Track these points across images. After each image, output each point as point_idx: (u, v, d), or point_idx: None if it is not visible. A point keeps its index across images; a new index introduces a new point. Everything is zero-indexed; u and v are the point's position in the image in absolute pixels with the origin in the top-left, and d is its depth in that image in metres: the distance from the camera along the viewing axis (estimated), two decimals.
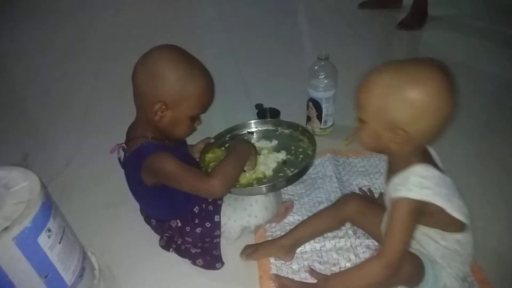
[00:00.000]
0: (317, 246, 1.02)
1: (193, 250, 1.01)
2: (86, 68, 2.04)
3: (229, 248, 1.02)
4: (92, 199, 1.24)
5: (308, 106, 1.41)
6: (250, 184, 1.00)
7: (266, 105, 1.46)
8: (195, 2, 2.91)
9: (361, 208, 0.97)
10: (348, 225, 1.04)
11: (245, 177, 1.02)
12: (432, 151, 0.83)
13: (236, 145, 0.99)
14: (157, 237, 1.06)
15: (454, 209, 0.75)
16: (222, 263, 0.99)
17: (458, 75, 1.76)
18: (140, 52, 0.92)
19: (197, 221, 0.99)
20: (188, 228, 0.99)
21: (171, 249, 1.03)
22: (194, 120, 0.94)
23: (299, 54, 2.01)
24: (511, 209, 1.12)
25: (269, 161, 1.07)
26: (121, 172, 1.05)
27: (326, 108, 1.38)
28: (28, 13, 2.81)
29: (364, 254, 0.99)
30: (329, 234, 1.03)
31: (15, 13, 2.83)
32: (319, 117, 1.40)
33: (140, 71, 0.90)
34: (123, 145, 0.97)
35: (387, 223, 0.80)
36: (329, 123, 1.43)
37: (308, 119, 1.43)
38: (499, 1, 2.41)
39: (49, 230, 0.78)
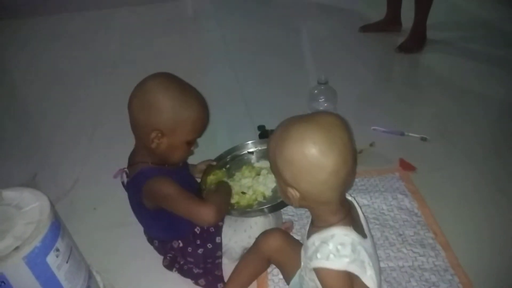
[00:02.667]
0: None
1: (195, 270, 1.03)
2: (94, 89, 2.09)
3: (231, 268, 1.03)
4: (97, 219, 1.27)
5: None
6: (250, 206, 1.03)
7: (268, 126, 1.49)
8: (199, 25, 2.98)
9: (280, 244, 0.93)
10: None
11: (245, 199, 1.05)
12: (354, 203, 0.81)
13: (219, 186, 1.05)
14: (161, 257, 1.09)
15: (367, 278, 0.71)
16: (224, 283, 1.01)
17: (457, 98, 1.83)
18: (145, 74, 0.96)
19: (198, 242, 1.02)
20: (190, 249, 1.02)
21: (174, 269, 1.06)
22: (191, 144, 0.97)
23: (301, 75, 2.05)
24: (506, 229, 1.14)
25: (268, 181, 1.10)
26: (126, 194, 1.08)
27: None
28: (33, 36, 2.89)
29: None
30: None
31: (24, 34, 2.92)
32: None
33: (134, 102, 0.93)
34: (126, 169, 1.01)
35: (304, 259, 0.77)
36: None
37: None
38: (498, 25, 2.46)
39: (57, 250, 0.81)
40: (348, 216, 0.73)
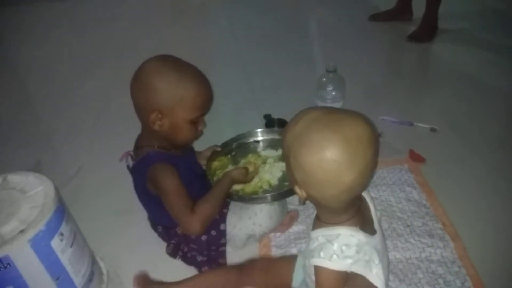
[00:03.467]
0: None
1: (199, 258, 1.03)
2: (98, 76, 2.08)
3: (235, 256, 1.03)
4: (101, 205, 1.27)
5: None
6: (255, 193, 1.02)
7: (274, 115, 1.48)
8: (207, 14, 2.95)
9: (267, 265, 0.95)
10: None
11: (250, 186, 1.04)
12: (366, 197, 0.78)
13: (223, 179, 0.99)
14: (164, 244, 1.08)
15: (373, 276, 0.70)
16: None
17: (468, 89, 1.80)
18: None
19: (193, 236, 1.01)
20: (193, 236, 1.01)
21: (178, 257, 1.05)
22: (195, 123, 0.95)
23: (308, 65, 2.02)
24: None
25: (274, 170, 1.09)
26: (130, 179, 1.08)
27: None
28: (37, 23, 2.89)
29: None
30: None
31: (28, 21, 2.91)
32: None
33: (133, 86, 0.94)
34: (131, 152, 1.01)
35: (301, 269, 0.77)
36: None
37: None
38: (510, 14, 2.41)
39: (62, 234, 0.81)
40: (357, 215, 0.71)
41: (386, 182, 1.27)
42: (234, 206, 1.03)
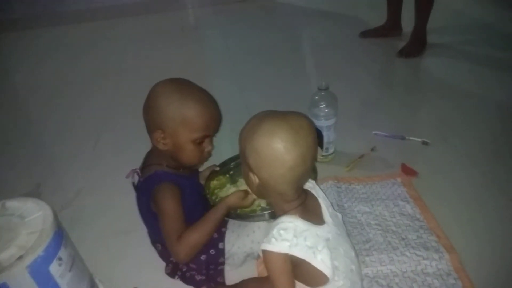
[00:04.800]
0: None
1: (197, 277, 1.03)
2: (97, 99, 2.12)
3: (233, 275, 1.04)
4: (101, 227, 1.28)
5: None
6: (253, 211, 1.04)
7: None
8: (202, 34, 3.00)
9: (259, 282, 0.98)
10: None
11: None
12: (320, 195, 0.86)
13: (218, 206, 0.97)
14: (163, 264, 1.09)
15: (318, 262, 0.75)
16: None
17: (458, 102, 1.83)
18: (150, 84, 0.99)
19: (201, 248, 1.02)
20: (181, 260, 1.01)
21: (177, 277, 1.06)
22: (199, 144, 0.97)
23: (302, 82, 2.06)
24: (508, 232, 1.14)
25: None
26: (130, 201, 1.09)
27: (327, 136, 1.42)
28: (38, 46, 2.94)
29: None
30: None
31: (27, 46, 2.96)
32: (321, 145, 1.43)
33: (144, 105, 0.98)
34: (137, 170, 1.03)
35: None
36: (331, 150, 1.46)
37: None
38: (498, 28, 2.47)
39: (60, 259, 0.82)
40: (300, 207, 0.79)
41: (380, 197, 1.29)
42: (232, 225, 1.05)
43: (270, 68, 2.26)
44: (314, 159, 0.78)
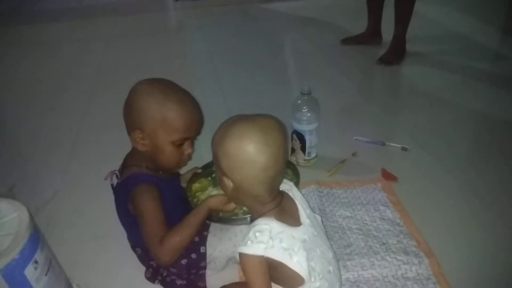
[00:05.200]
0: None
1: (178, 282, 1.01)
2: (75, 99, 2.07)
3: (214, 279, 1.03)
4: (78, 230, 1.24)
5: (292, 138, 1.45)
6: (235, 214, 1.03)
7: None
8: (184, 37, 2.99)
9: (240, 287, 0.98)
10: None
11: None
12: (297, 197, 0.86)
13: (199, 207, 0.95)
14: (143, 268, 1.06)
15: (294, 264, 0.75)
16: None
17: (436, 109, 1.88)
18: (129, 85, 0.97)
19: (182, 252, 1.00)
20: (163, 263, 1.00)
21: (157, 281, 1.03)
22: (179, 146, 0.95)
23: (284, 87, 2.07)
24: (486, 237, 1.16)
25: None
26: (108, 204, 1.07)
27: (309, 140, 1.43)
28: (14, 44, 2.86)
29: None
30: None
31: (4, 43, 2.87)
32: (303, 148, 1.44)
33: (124, 106, 0.96)
34: (116, 172, 1.01)
35: None
36: (313, 155, 1.47)
37: (293, 150, 1.48)
38: (473, 39, 2.55)
39: (36, 262, 0.79)
40: (276, 208, 0.79)
41: (361, 202, 1.30)
42: (214, 228, 1.03)
43: (252, 73, 2.27)
44: (286, 159, 0.78)
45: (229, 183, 0.78)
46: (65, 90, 2.18)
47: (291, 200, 0.85)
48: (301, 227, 0.81)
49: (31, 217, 0.82)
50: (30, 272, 0.77)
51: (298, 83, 2.08)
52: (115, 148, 1.08)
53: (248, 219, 1.00)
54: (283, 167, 0.78)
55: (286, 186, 0.87)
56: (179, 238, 0.90)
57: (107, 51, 2.66)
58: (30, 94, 2.15)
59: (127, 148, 1.03)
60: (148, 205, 0.91)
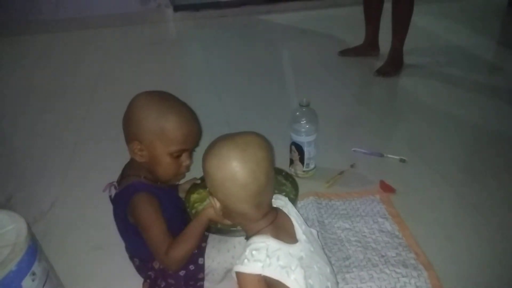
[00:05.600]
0: None
1: None
2: (73, 109, 2.07)
3: None
4: (76, 241, 1.24)
5: (291, 150, 1.46)
6: (234, 225, 1.03)
7: None
8: (183, 47, 3.01)
9: None
10: None
11: None
12: (292, 213, 0.85)
13: (199, 217, 0.94)
14: (141, 280, 1.06)
15: (291, 282, 0.74)
16: None
17: (434, 121, 1.89)
18: (127, 96, 0.98)
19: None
20: (170, 271, 1.00)
21: None
22: (176, 158, 0.96)
23: (283, 98, 2.08)
24: (485, 250, 1.16)
25: None
26: (106, 215, 1.06)
27: (308, 152, 1.43)
28: (16, 53, 2.87)
29: None
30: None
31: (4, 53, 2.88)
32: (302, 160, 1.44)
33: (123, 117, 0.97)
34: (115, 183, 1.01)
35: None
36: (312, 166, 1.47)
37: (291, 162, 1.48)
38: (471, 51, 2.57)
39: (34, 274, 0.78)
40: (270, 226, 0.78)
41: (360, 214, 1.30)
42: (212, 240, 1.03)
43: (251, 84, 2.28)
44: (269, 175, 0.77)
45: (216, 203, 0.79)
46: (63, 99, 2.18)
47: (286, 217, 0.84)
48: (297, 244, 0.80)
49: (29, 229, 0.82)
50: (27, 284, 0.77)
51: (297, 95, 2.09)
52: (113, 158, 1.09)
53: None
54: (265, 183, 0.76)
55: (281, 202, 0.87)
56: (184, 249, 0.91)
57: (107, 62, 2.67)
58: (27, 104, 2.16)
59: (125, 158, 1.03)
60: (150, 215, 0.91)
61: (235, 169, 0.73)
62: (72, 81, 2.39)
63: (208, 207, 0.92)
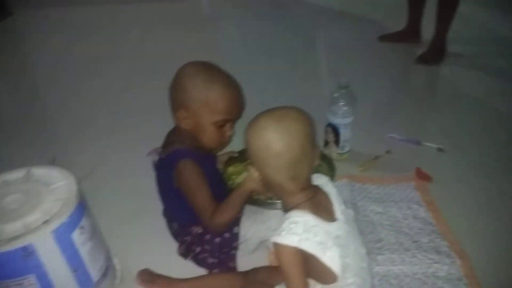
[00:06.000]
0: None
1: (210, 260, 1.04)
2: (112, 78, 2.13)
3: (244, 260, 1.05)
4: (114, 204, 1.28)
5: (326, 131, 1.45)
6: (270, 198, 1.05)
7: None
8: (217, 25, 3.00)
9: (270, 271, 1.01)
10: None
11: None
12: (332, 192, 0.85)
13: (242, 187, 0.95)
14: (176, 244, 1.10)
15: (326, 258, 0.75)
16: None
17: (475, 111, 1.83)
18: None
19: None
20: (208, 236, 1.03)
21: (189, 257, 1.07)
22: (220, 128, 0.98)
23: (318, 80, 2.07)
24: None
25: None
26: (144, 180, 1.10)
27: (343, 134, 1.43)
28: (57, 26, 2.95)
29: None
30: None
31: (46, 25, 2.97)
32: (337, 142, 1.44)
33: (170, 85, 0.99)
34: (159, 149, 1.04)
35: None
36: (346, 149, 1.47)
37: (326, 143, 1.48)
38: None
39: (82, 227, 0.83)
40: (309, 201, 0.79)
41: (394, 199, 1.30)
42: (248, 210, 1.05)
43: (285, 65, 2.27)
44: (304, 148, 0.77)
45: (254, 172, 0.82)
46: (102, 69, 2.24)
47: (325, 195, 0.85)
48: (335, 223, 0.80)
49: (78, 185, 0.86)
50: (76, 236, 0.81)
51: (333, 77, 2.06)
52: (153, 124, 1.11)
53: (279, 205, 1.02)
54: (300, 155, 0.76)
55: (321, 180, 0.87)
56: (227, 217, 0.94)
57: (143, 36, 2.71)
58: (70, 74, 2.22)
59: (165, 125, 1.06)
60: (197, 180, 0.95)
61: (269, 139, 0.75)
62: (109, 54, 2.44)
63: (250, 179, 0.93)
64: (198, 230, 1.04)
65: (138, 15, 3.10)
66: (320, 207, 0.81)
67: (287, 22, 2.92)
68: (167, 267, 1.05)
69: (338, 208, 0.84)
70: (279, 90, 1.97)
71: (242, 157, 1.22)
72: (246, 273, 1.01)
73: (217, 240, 1.02)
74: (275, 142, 0.75)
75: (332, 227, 0.79)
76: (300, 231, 0.74)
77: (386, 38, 2.49)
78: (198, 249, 1.04)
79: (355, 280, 0.79)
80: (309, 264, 0.76)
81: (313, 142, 0.80)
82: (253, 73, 2.16)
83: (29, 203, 0.80)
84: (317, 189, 0.83)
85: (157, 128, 1.09)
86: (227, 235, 1.03)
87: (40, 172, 0.89)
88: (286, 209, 0.81)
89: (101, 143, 1.61)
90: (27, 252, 0.74)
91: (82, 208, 0.84)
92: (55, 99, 2.01)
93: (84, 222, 0.84)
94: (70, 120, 1.80)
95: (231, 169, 1.17)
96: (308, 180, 0.82)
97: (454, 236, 1.15)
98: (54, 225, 0.76)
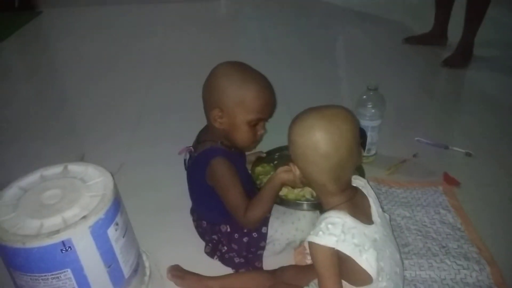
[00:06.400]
0: None
1: (236, 260, 1.05)
2: (140, 77, 2.17)
3: (270, 261, 1.06)
4: (142, 203, 1.29)
5: None
6: (298, 199, 1.05)
7: None
8: (240, 25, 3.02)
9: (297, 270, 1.01)
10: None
11: (293, 193, 1.07)
12: (371, 195, 0.85)
13: (272, 180, 0.95)
14: (203, 244, 1.11)
15: (362, 260, 0.74)
16: None
17: (503, 116, 1.79)
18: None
19: (245, 230, 1.04)
20: (236, 235, 1.04)
21: (216, 257, 1.08)
22: (253, 126, 0.99)
23: (344, 82, 2.06)
24: None
25: None
26: (172, 179, 1.11)
27: (371, 137, 1.42)
28: (77, 25, 3.02)
29: None
30: None
31: (74, 23, 3.04)
32: (364, 144, 1.43)
33: (204, 85, 1.01)
34: (191, 148, 1.06)
35: None
36: (373, 152, 1.46)
37: None
38: None
39: (117, 224, 0.85)
40: (348, 202, 0.78)
41: (421, 203, 1.28)
42: (277, 211, 1.06)
43: (309, 66, 2.27)
44: (352, 150, 0.76)
45: (296, 170, 0.82)
46: (131, 68, 2.28)
47: (364, 197, 0.84)
48: (373, 225, 0.80)
49: (114, 182, 0.88)
50: (112, 232, 0.83)
51: (359, 79, 2.05)
52: (182, 123, 1.12)
53: (305, 206, 1.03)
54: (347, 157, 0.76)
55: (361, 182, 0.87)
56: (260, 211, 0.95)
57: (167, 36, 2.75)
58: (96, 72, 2.27)
59: (191, 125, 1.08)
60: (230, 178, 0.96)
61: (318, 139, 0.74)
62: (134, 52, 2.49)
63: (281, 172, 0.93)
64: (227, 228, 1.05)
65: (162, 15, 3.14)
66: (358, 209, 0.80)
67: (308, 23, 2.92)
68: (194, 265, 1.07)
69: (375, 210, 0.83)
70: (303, 90, 1.97)
71: (270, 157, 1.23)
72: (273, 273, 1.01)
73: (245, 239, 1.03)
74: (325, 142, 0.74)
75: (369, 229, 0.79)
76: (338, 232, 0.74)
77: (412, 40, 2.46)
78: (224, 248, 1.06)
79: (388, 284, 0.78)
80: (343, 266, 0.76)
81: (358, 144, 0.79)
82: (277, 73, 2.15)
83: (67, 198, 0.82)
84: (356, 191, 0.83)
85: (183, 124, 1.11)
86: (255, 234, 1.04)
87: (76, 168, 0.91)
88: (325, 209, 0.81)
89: (128, 141, 1.64)
90: (66, 246, 0.76)
91: (117, 204, 0.86)
92: (83, 97, 2.05)
93: (119, 218, 0.85)
94: (98, 118, 1.84)
95: (259, 169, 1.18)
96: (349, 181, 0.83)
97: (483, 242, 1.13)
98: (92, 220, 0.78)
